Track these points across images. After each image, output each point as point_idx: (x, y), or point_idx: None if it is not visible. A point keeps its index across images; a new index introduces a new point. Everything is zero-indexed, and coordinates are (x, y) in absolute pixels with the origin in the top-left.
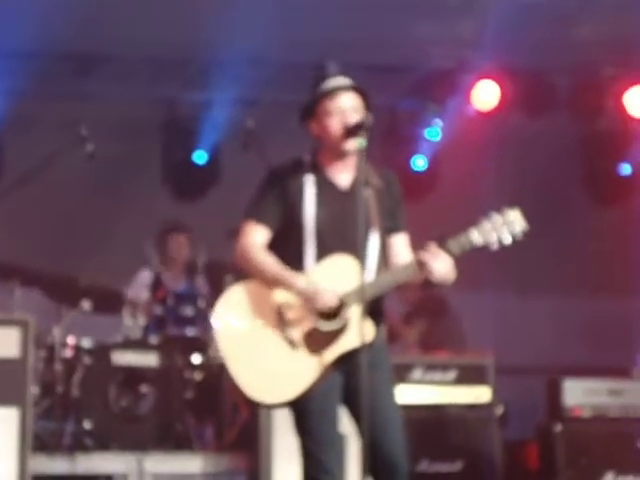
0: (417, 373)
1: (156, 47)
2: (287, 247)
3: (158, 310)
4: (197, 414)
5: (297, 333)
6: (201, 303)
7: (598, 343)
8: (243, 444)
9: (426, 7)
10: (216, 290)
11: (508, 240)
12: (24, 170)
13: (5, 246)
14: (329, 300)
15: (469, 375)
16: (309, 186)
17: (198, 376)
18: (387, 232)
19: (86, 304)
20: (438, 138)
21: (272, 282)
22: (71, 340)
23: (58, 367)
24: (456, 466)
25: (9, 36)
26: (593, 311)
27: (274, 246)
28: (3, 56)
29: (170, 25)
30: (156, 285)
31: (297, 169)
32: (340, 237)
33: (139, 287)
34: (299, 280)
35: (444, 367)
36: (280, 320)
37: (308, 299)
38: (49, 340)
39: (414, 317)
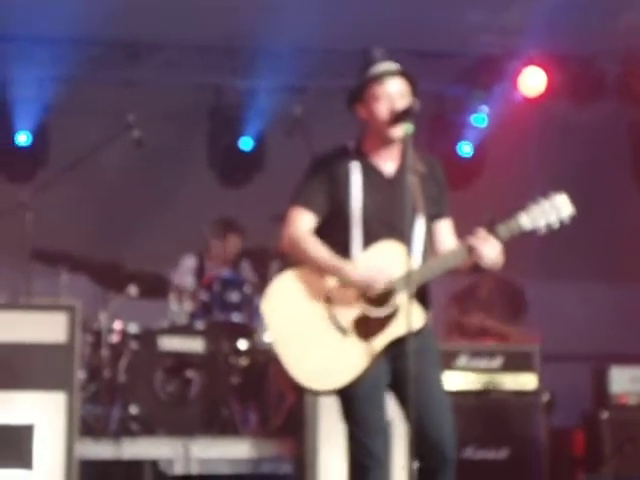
0: (463, 360)
1: (204, 35)
2: (333, 234)
3: (204, 296)
4: (242, 399)
5: (347, 320)
6: (247, 289)
7: None
8: (289, 430)
9: None
10: (261, 276)
11: (556, 225)
12: (72, 156)
13: (53, 231)
14: (378, 280)
15: (515, 362)
16: (355, 173)
17: (244, 362)
18: (432, 218)
19: (132, 289)
20: (484, 124)
21: (322, 270)
22: (118, 325)
23: (105, 352)
24: (502, 453)
25: (59, 22)
26: (638, 298)
27: (320, 233)
28: (52, 42)
29: (218, 13)
30: (200, 270)
31: (343, 156)
32: (386, 224)
33: (184, 273)
34: (350, 268)
35: (490, 354)
36: (329, 307)
37: (363, 285)
38: (96, 325)
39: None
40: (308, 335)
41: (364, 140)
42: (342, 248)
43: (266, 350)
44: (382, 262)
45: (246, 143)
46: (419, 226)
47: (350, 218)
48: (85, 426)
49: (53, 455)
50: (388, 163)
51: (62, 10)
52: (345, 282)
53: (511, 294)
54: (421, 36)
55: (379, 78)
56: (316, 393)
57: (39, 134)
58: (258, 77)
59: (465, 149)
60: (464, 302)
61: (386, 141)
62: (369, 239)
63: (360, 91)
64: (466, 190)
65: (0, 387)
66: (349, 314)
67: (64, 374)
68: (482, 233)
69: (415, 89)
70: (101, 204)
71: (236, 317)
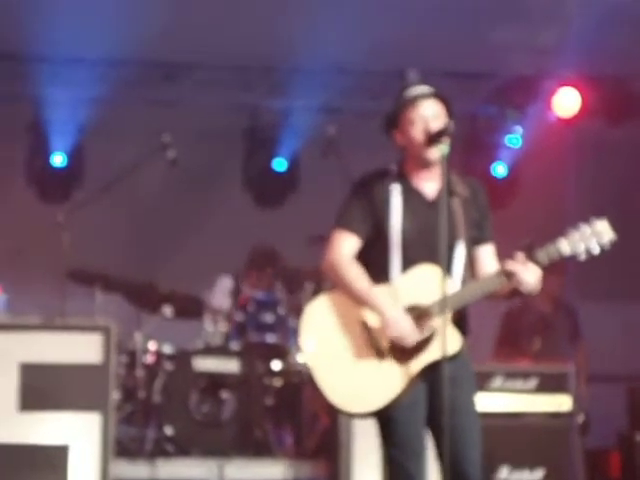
0: (497, 381)
1: (239, 55)
2: (373, 256)
3: (239, 317)
4: (277, 420)
5: (384, 343)
6: (281, 310)
7: None
8: (323, 451)
9: (508, 14)
10: (295, 297)
11: (596, 250)
12: (107, 176)
13: (87, 252)
14: (407, 338)
15: (550, 383)
16: (395, 195)
17: (278, 383)
18: (473, 242)
19: (167, 310)
20: (518, 145)
21: (357, 300)
22: (153, 346)
23: (140, 373)
24: (536, 475)
25: (94, 44)
26: None
27: (361, 254)
28: (88, 64)
29: (253, 33)
30: (236, 292)
31: (384, 178)
32: (426, 247)
33: (219, 293)
34: (386, 308)
35: (524, 375)
36: (366, 330)
37: (388, 328)
38: (130, 346)
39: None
40: (344, 358)
41: (405, 163)
42: (381, 270)
43: (300, 371)
44: (419, 285)
45: (280, 164)
46: (459, 250)
47: (390, 241)
48: (120, 447)
49: (88, 476)
50: (429, 185)
51: (98, 31)
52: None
53: (570, 315)
54: (455, 57)
55: (412, 102)
56: (351, 416)
57: (74, 155)
58: (293, 97)
59: (499, 170)
60: (517, 322)
61: (425, 164)
62: (408, 262)
63: (395, 117)
64: (500, 211)
65: (35, 408)
66: (386, 337)
67: (99, 395)
68: (521, 258)
69: (449, 110)
70: (136, 224)
71: (270, 338)
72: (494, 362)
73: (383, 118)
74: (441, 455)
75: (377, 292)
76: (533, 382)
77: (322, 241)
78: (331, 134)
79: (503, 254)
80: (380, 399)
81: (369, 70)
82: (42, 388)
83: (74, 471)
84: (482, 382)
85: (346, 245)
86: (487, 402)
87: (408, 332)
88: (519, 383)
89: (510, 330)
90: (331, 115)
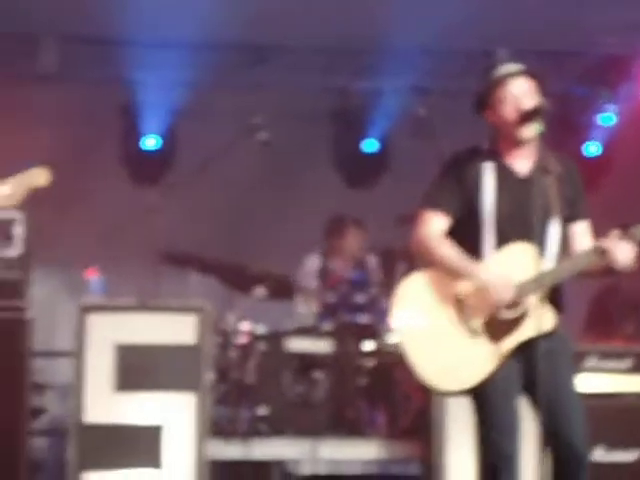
0: (591, 361)
1: (328, 37)
2: (465, 235)
3: (330, 297)
4: (369, 401)
5: (477, 321)
6: (373, 290)
7: None
8: (416, 431)
9: None
10: (387, 277)
11: None
12: (199, 159)
13: (180, 234)
14: (505, 294)
15: None
16: (488, 174)
17: (370, 363)
18: (567, 220)
19: (259, 291)
20: (611, 124)
21: (452, 273)
22: (246, 327)
23: (233, 353)
24: (632, 455)
25: (186, 27)
26: None
27: (452, 233)
28: (179, 47)
29: (342, 15)
30: (324, 271)
31: (476, 156)
32: (519, 225)
33: (307, 274)
34: (480, 272)
35: (619, 355)
36: (459, 309)
37: (487, 292)
38: (223, 326)
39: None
40: (437, 336)
41: (497, 141)
42: (474, 249)
43: (392, 351)
44: (513, 263)
45: (371, 145)
46: (553, 227)
47: (482, 219)
48: (215, 427)
49: (181, 456)
50: (522, 163)
51: (189, 15)
52: (474, 283)
53: None
54: (546, 36)
55: (502, 80)
56: (444, 394)
57: (167, 137)
58: (383, 78)
59: (592, 149)
60: (609, 303)
61: (518, 142)
62: (501, 240)
63: (485, 96)
64: (593, 190)
65: (131, 388)
66: (479, 316)
67: (194, 375)
68: (616, 235)
69: (542, 87)
70: (227, 206)
71: (362, 318)
72: (587, 342)
73: (473, 97)
74: (548, 431)
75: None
76: (628, 362)
77: (411, 220)
78: (421, 114)
79: (596, 234)
80: (473, 377)
81: (458, 50)
82: (137, 369)
83: (168, 451)
84: (576, 362)
85: (435, 223)
86: (581, 382)
87: (507, 290)
88: (614, 363)
89: (601, 310)
90: (421, 95)
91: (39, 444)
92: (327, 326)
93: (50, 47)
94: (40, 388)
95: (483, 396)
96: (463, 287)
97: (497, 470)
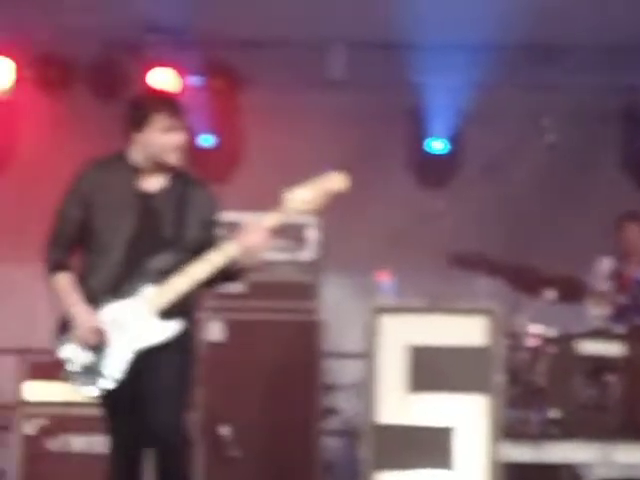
0: None
1: (614, 34)
2: None
3: (622, 299)
4: None
5: None
6: None
7: None
8: None
9: None
10: None
11: None
12: (486, 161)
13: (471, 236)
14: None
15: None
16: None
17: None
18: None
19: (550, 293)
20: None
21: None
22: (536, 329)
23: (523, 356)
24: None
25: (473, 29)
26: None
27: None
28: (467, 48)
29: (629, 12)
30: (617, 273)
31: None
32: None
33: (600, 276)
34: None
35: None
36: None
37: None
38: (513, 329)
39: None
40: None
41: None
42: None
43: None
44: None
45: None
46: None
47: None
48: (506, 429)
49: (473, 458)
50: None
51: (476, 16)
52: None
53: None
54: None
55: None
56: None
57: (454, 140)
58: None
59: None
60: None
61: None
62: None
63: None
64: None
65: (424, 389)
66: None
67: (484, 377)
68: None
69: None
70: (514, 208)
71: None
72: None
73: None
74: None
75: None
76: None
77: None
78: None
79: None
80: None
81: None
82: (429, 370)
83: (459, 453)
84: None
85: None
86: None
87: None
88: None
89: None
90: None
91: (331, 444)
92: (619, 329)
93: (339, 53)
94: (330, 388)
95: None
96: None
97: None
